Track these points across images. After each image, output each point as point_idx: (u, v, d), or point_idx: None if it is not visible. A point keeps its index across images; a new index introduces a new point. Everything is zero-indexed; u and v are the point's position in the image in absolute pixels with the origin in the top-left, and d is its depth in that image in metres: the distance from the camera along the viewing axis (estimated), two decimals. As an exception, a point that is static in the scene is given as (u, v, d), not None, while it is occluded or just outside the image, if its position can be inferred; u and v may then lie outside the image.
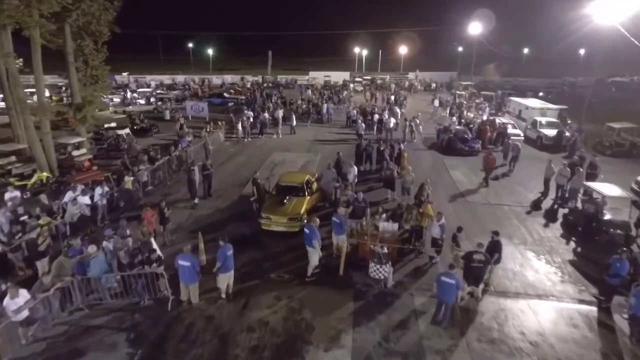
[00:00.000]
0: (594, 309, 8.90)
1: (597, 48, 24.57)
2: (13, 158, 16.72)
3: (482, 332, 8.15)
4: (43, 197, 12.46)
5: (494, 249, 9.29)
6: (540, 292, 9.49)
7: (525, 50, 74.03)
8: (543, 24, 67.49)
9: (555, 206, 14.51)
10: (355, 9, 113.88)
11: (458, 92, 41.48)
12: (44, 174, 16.14)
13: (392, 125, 23.77)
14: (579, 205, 13.10)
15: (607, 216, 11.96)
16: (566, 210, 13.58)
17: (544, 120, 23.44)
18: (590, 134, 22.85)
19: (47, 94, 28.63)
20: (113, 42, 21.39)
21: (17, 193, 12.74)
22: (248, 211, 13.30)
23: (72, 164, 17.32)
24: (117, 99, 36.87)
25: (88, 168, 17.20)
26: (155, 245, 9.51)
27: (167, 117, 29.75)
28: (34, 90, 18.91)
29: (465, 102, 34.83)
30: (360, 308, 8.79)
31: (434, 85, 54.13)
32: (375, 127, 24.59)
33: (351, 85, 49.76)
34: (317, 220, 10.28)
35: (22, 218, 10.85)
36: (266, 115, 26.48)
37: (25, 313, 7.52)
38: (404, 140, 22.28)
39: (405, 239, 11.40)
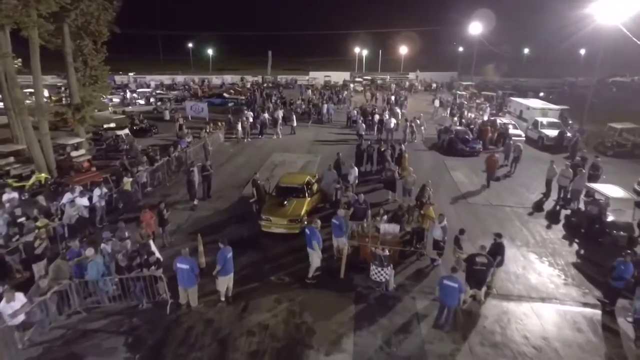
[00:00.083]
0: (598, 312, 8.80)
1: (598, 48, 24.44)
2: (11, 159, 16.59)
3: (485, 336, 8.04)
4: (41, 199, 12.35)
5: (497, 251, 9.19)
6: (543, 295, 9.38)
7: (526, 51, 73.92)
8: (543, 24, 67.46)
9: (558, 207, 14.40)
10: (356, 8, 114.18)
11: (459, 92, 41.39)
12: (43, 175, 16.04)
13: (392, 125, 23.66)
14: (582, 206, 13.01)
15: (610, 218, 11.86)
16: (568, 212, 13.49)
17: (545, 120, 23.33)
18: (591, 135, 22.74)
19: (46, 94, 28.60)
20: (113, 42, 21.28)
21: (15, 194, 12.65)
22: (248, 212, 13.20)
23: (71, 164, 17.21)
24: (116, 99, 36.76)
25: (87, 169, 17.12)
26: (154, 248, 9.41)
27: (167, 117, 29.65)
28: (32, 90, 18.78)
29: (466, 103, 34.72)
30: (362, 311, 8.69)
31: (434, 85, 54.03)
32: (375, 128, 24.49)
33: (351, 86, 49.63)
34: (319, 221, 10.19)
35: (19, 220, 10.74)
36: (266, 115, 26.37)
37: (21, 317, 7.42)
38: (405, 141, 22.18)
39: (407, 241, 11.29)
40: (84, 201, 12.07)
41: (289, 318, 8.47)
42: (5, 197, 12.19)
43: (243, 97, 38.24)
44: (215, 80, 58.44)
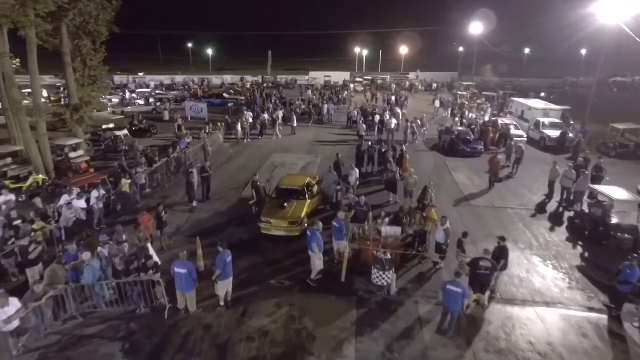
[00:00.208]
0: (604, 317, 8.64)
1: (599, 48, 24.29)
2: (9, 160, 16.44)
3: (489, 342, 7.88)
4: (38, 201, 12.20)
5: (501, 255, 9.02)
6: (548, 300, 9.23)
7: (527, 50, 73.77)
8: (544, 24, 67.26)
9: (561, 209, 14.24)
10: (356, 8, 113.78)
11: (459, 92, 41.23)
12: (40, 176, 15.87)
13: (393, 126, 23.50)
14: (586, 208, 12.85)
15: (615, 220, 11.69)
16: (572, 214, 13.34)
17: (547, 121, 23.17)
18: (593, 135, 22.58)
19: (45, 94, 28.45)
20: (112, 42, 21.14)
21: (12, 196, 12.49)
22: (247, 215, 13.06)
23: (69, 166, 17.03)
24: (115, 100, 36.61)
25: (85, 170, 16.95)
26: (152, 252, 9.25)
27: (166, 117, 29.49)
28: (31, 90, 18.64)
29: (467, 103, 34.56)
30: (363, 316, 8.53)
31: (435, 85, 53.86)
32: (376, 128, 24.33)
33: (352, 86, 49.48)
34: (320, 223, 10.04)
35: (15, 222, 10.57)
36: (266, 116, 26.21)
37: (16, 323, 7.26)
38: (406, 142, 22.03)
39: (409, 243, 11.11)
40: (82, 203, 11.91)
41: (289, 323, 8.32)
42: (1, 199, 12.02)
43: (243, 98, 38.06)
44: (215, 80, 58.30)
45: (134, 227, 10.66)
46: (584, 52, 60.49)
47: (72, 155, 17.91)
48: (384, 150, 17.27)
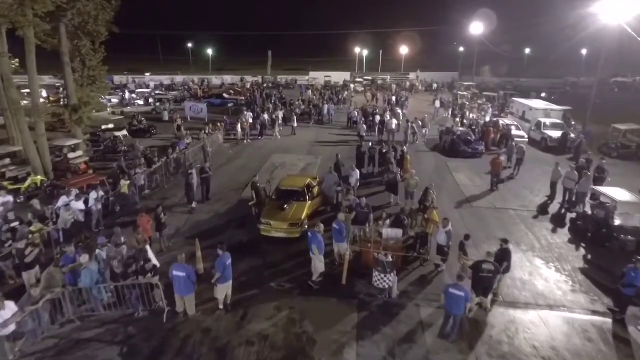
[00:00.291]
0: (608, 320, 8.54)
1: (600, 48, 24.18)
2: (7, 161, 16.34)
3: (492, 346, 7.78)
4: (36, 202, 12.08)
5: (503, 257, 8.92)
6: (551, 303, 9.12)
7: (527, 51, 73.69)
8: (545, 24, 67.13)
9: (563, 211, 14.15)
10: (356, 8, 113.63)
11: (460, 92, 41.13)
12: (39, 177, 15.77)
13: (394, 126, 23.40)
14: (588, 210, 12.74)
15: (618, 222, 11.58)
16: (574, 215, 13.23)
17: (548, 121, 23.08)
18: (595, 136, 22.47)
19: (44, 94, 28.37)
20: (112, 42, 21.03)
21: (10, 198, 12.40)
22: (247, 216, 12.95)
23: (68, 166, 16.92)
24: (115, 100, 36.51)
25: (84, 171, 16.84)
26: (150, 254, 9.15)
27: (166, 118, 29.39)
28: (29, 91, 18.54)
29: (467, 103, 34.46)
30: (365, 320, 8.42)
31: (435, 85, 53.74)
32: (377, 129, 24.23)
33: (352, 86, 49.38)
34: (322, 225, 9.91)
35: (13, 224, 10.47)
36: (266, 116, 26.11)
37: (12, 327, 7.16)
38: (406, 142, 21.93)
39: (410, 246, 11.02)
40: (80, 205, 11.79)
41: (290, 327, 8.21)
42: (-1, 200, 11.93)
43: (243, 98, 37.97)
44: (215, 80, 58.18)
45: (133, 229, 10.55)
46: (584, 52, 60.42)
47: (71, 155, 17.80)
48: (384, 150, 17.17)
